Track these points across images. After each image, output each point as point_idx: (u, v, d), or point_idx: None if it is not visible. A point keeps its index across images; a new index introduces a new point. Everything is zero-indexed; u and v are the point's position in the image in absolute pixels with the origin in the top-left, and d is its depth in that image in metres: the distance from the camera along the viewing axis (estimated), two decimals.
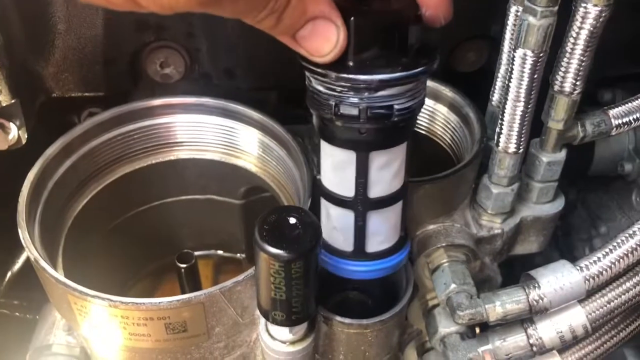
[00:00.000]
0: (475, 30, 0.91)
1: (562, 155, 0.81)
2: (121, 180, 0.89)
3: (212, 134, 0.90)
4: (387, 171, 0.62)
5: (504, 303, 0.71)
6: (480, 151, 0.80)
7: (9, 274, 0.89)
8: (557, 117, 0.77)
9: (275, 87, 0.94)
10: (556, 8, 0.66)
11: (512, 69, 0.72)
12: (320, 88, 0.56)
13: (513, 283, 0.76)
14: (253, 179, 0.92)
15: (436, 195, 0.78)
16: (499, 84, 0.84)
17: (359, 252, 0.67)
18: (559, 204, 0.86)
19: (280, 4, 0.49)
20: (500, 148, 0.77)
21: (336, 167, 0.62)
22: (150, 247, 1.02)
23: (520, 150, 0.77)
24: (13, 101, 0.74)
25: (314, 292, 0.62)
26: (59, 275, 0.68)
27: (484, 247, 0.84)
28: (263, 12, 0.48)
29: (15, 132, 0.77)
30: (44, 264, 0.68)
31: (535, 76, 0.71)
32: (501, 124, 0.76)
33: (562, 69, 0.74)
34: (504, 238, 0.84)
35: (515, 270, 0.95)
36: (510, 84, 0.73)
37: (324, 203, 0.67)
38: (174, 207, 0.99)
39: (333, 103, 0.56)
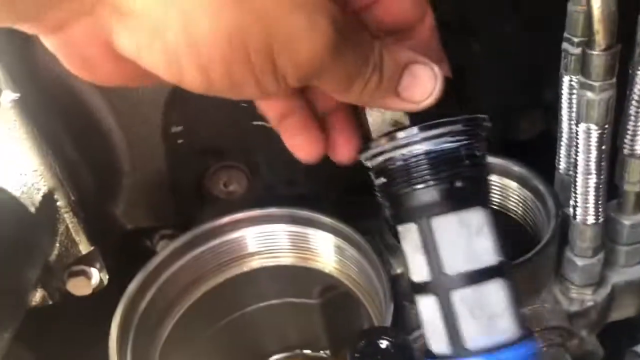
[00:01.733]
0: (528, 100, 0.90)
1: None
2: (199, 301, 0.90)
3: (282, 241, 0.91)
4: (463, 239, 0.52)
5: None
6: (558, 226, 0.77)
7: None
8: (632, 180, 0.75)
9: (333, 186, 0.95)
10: (614, 80, 0.65)
11: (577, 142, 0.70)
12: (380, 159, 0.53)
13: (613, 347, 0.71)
14: (327, 278, 0.92)
15: (523, 277, 0.76)
16: (563, 152, 0.82)
17: (459, 348, 0.54)
18: None
19: (377, 55, 0.48)
20: (578, 220, 0.75)
21: (408, 246, 0.55)
22: (236, 359, 1.02)
23: (600, 220, 0.74)
24: (92, 248, 0.77)
25: None
26: None
27: (578, 322, 0.80)
28: (368, 69, 0.48)
29: (97, 277, 0.80)
30: None
31: (603, 147, 0.69)
32: (575, 197, 0.74)
33: (630, 132, 0.71)
34: (598, 309, 0.80)
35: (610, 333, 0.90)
36: (577, 158, 0.71)
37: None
38: (254, 315, 0.99)
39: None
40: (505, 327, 0.53)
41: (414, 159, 0.51)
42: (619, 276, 0.81)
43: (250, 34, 0.40)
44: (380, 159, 0.53)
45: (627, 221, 0.78)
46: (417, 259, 0.53)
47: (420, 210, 0.52)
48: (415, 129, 0.51)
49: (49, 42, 0.43)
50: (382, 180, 0.53)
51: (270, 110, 0.56)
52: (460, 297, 0.52)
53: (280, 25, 0.41)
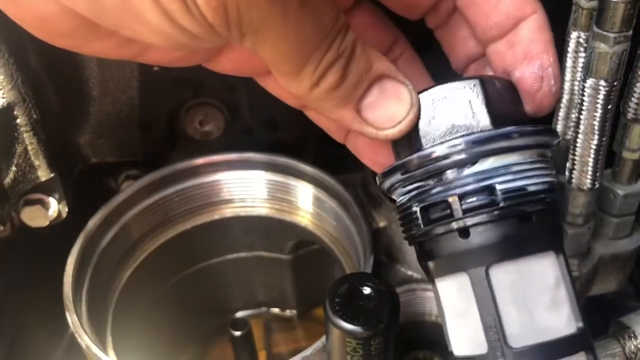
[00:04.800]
0: None
1: (638, 186, 0.75)
2: (165, 246, 0.85)
3: (258, 190, 0.85)
4: (529, 299, 0.39)
5: (598, 356, 0.64)
6: None
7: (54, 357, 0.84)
8: (632, 147, 0.71)
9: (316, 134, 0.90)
10: (630, 32, 0.61)
11: (582, 100, 0.66)
12: (403, 199, 0.42)
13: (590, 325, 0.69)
14: (302, 232, 0.87)
15: None
16: (561, 114, 0.78)
17: None
18: (638, 239, 0.79)
19: (347, 42, 0.38)
20: (573, 185, 0.71)
21: (454, 311, 0.41)
22: (199, 311, 0.97)
23: (596, 186, 0.71)
24: (52, 175, 0.71)
25: None
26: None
27: None
28: (329, 53, 0.37)
29: (55, 207, 0.73)
30: (95, 350, 0.63)
31: (609, 107, 0.65)
32: (573, 160, 0.70)
33: (636, 95, 0.68)
34: (582, 281, 0.78)
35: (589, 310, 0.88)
36: (581, 117, 0.67)
37: None
38: (221, 267, 0.94)
39: (418, 208, 0.40)
40: None
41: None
42: (605, 248, 0.79)
43: None
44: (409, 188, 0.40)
45: (620, 191, 0.75)
46: (467, 324, 0.40)
47: (475, 257, 0.38)
48: (473, 138, 0.37)
49: None
50: (411, 214, 0.41)
51: (335, 130, 0.51)
52: None
53: None
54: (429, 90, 0.42)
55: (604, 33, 0.61)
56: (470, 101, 0.41)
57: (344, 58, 0.39)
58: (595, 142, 0.67)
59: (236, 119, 0.85)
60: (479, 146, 0.38)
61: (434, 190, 0.39)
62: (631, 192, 0.75)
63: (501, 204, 0.38)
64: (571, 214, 0.73)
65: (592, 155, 0.68)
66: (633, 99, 0.68)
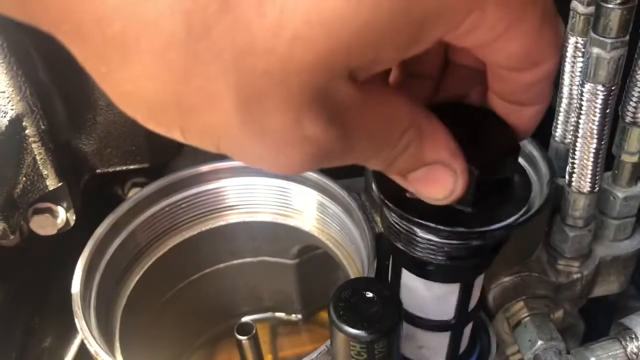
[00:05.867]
0: None
1: (638, 188, 0.76)
2: (171, 252, 0.86)
3: (263, 196, 0.87)
4: (482, 279, 0.56)
5: (600, 358, 0.65)
6: (552, 195, 0.75)
7: None
8: (630, 150, 0.72)
9: None
10: (627, 38, 0.62)
11: (580, 104, 0.67)
12: (432, 237, 0.50)
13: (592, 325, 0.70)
14: (306, 237, 0.88)
15: (509, 244, 0.73)
16: (561, 118, 0.79)
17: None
18: (638, 240, 0.80)
19: (396, 152, 0.40)
20: (573, 188, 0.72)
21: (435, 298, 0.56)
22: (205, 316, 0.98)
23: (596, 190, 0.72)
24: (60, 184, 0.72)
25: None
26: None
27: (563, 294, 0.78)
28: (374, 160, 0.40)
29: (63, 216, 0.75)
30: (104, 356, 0.64)
31: (608, 111, 0.66)
32: (572, 163, 0.71)
33: (634, 99, 0.69)
34: (583, 282, 0.78)
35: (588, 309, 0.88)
36: (580, 121, 0.68)
37: (408, 327, 0.60)
38: (227, 272, 0.95)
39: (446, 249, 0.49)
40: None
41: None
42: (606, 250, 0.80)
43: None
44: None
45: (620, 193, 0.76)
46: (447, 306, 0.56)
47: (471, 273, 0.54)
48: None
49: None
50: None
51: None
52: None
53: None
54: None
55: (601, 39, 0.62)
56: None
57: (391, 158, 0.40)
58: (594, 145, 0.68)
59: None
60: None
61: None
62: (631, 194, 0.76)
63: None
64: (571, 216, 0.74)
65: (592, 159, 0.69)
66: (631, 102, 0.69)
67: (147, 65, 0.32)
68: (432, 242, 0.50)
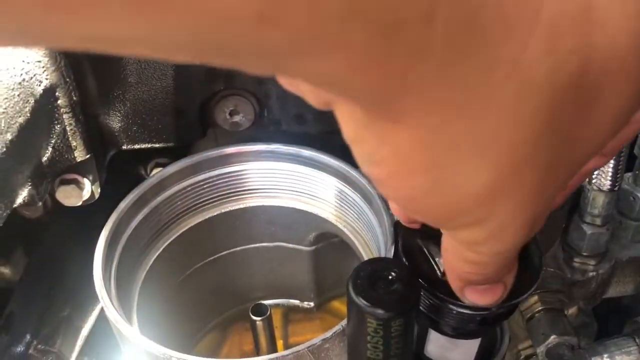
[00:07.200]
0: None
1: None
2: (191, 231, 0.87)
3: (284, 181, 0.88)
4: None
5: (613, 354, 0.66)
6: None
7: (82, 332, 0.87)
8: None
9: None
10: None
11: None
12: (466, 311, 0.54)
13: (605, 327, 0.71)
14: (324, 225, 0.89)
15: None
16: None
17: None
18: None
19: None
20: (593, 186, 0.73)
21: (459, 348, 0.61)
22: (220, 298, 0.99)
23: (616, 188, 0.72)
24: (87, 156, 0.74)
25: (412, 350, 0.58)
26: (139, 338, 0.65)
27: (577, 292, 0.79)
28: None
29: (89, 188, 0.76)
30: (122, 325, 0.66)
31: None
32: None
33: None
34: (598, 281, 0.79)
35: (602, 310, 0.89)
36: None
37: None
38: (243, 255, 0.96)
39: (478, 319, 0.54)
40: None
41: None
42: (623, 251, 0.80)
43: None
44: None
45: None
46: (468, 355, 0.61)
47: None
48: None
49: None
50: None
51: None
52: None
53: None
54: None
55: None
56: None
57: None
58: None
59: (265, 111, 0.87)
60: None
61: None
62: None
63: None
64: (590, 214, 0.75)
65: (613, 157, 0.70)
66: None
67: None
68: (465, 314, 0.54)
